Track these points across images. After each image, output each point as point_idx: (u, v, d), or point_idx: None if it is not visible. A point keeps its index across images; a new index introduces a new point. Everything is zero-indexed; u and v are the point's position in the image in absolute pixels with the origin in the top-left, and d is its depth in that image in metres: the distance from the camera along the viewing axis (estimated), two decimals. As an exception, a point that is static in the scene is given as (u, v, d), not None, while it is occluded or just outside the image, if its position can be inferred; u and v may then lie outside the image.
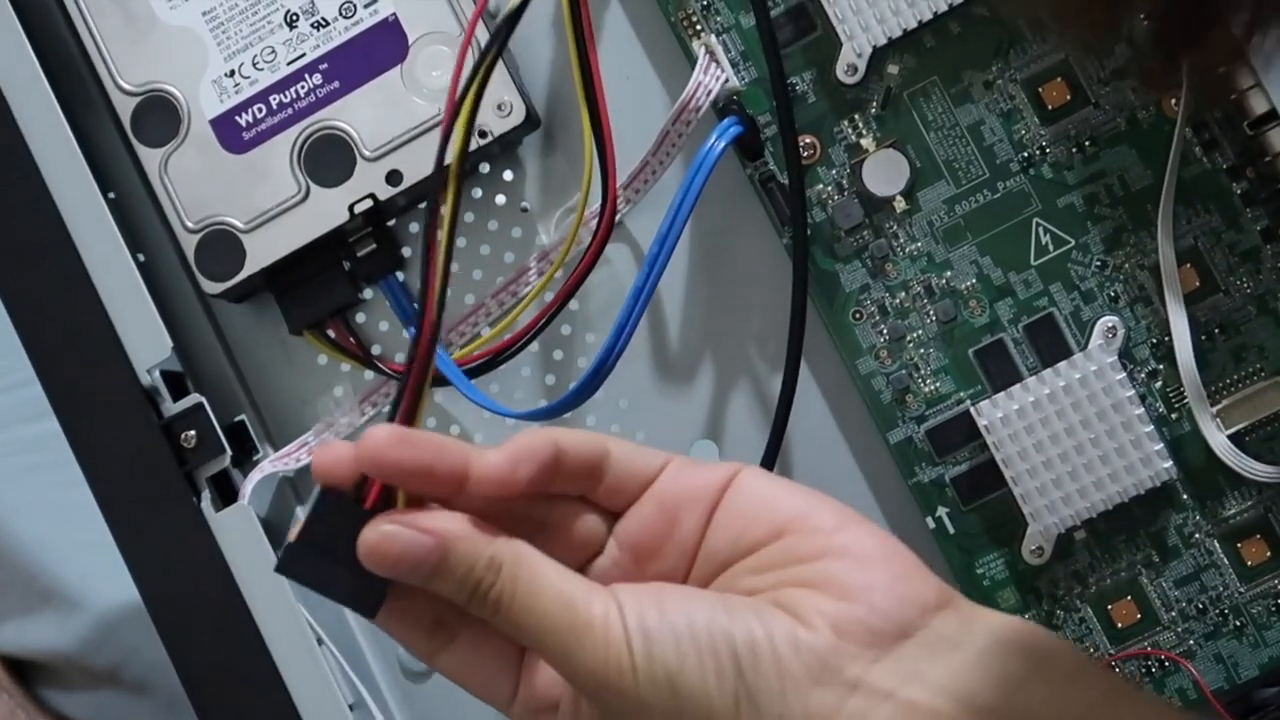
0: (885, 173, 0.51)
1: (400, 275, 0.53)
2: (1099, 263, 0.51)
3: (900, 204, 0.51)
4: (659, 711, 0.37)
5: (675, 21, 0.52)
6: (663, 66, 0.53)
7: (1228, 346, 0.50)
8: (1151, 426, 0.50)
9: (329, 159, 0.52)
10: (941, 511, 0.51)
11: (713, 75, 0.51)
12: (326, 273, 0.53)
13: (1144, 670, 0.51)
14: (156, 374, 0.51)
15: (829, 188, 0.52)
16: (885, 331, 0.52)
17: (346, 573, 0.38)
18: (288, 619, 0.50)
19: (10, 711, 0.79)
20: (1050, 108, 0.51)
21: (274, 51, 0.52)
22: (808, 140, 0.51)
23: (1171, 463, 0.50)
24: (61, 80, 0.53)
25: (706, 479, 0.41)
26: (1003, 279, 0.51)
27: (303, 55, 0.52)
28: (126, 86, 0.52)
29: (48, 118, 0.52)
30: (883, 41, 0.50)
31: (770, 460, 0.51)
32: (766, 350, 0.53)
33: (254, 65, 0.52)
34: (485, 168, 0.54)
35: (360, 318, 0.55)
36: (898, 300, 0.52)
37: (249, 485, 0.52)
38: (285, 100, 0.52)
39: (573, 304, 0.52)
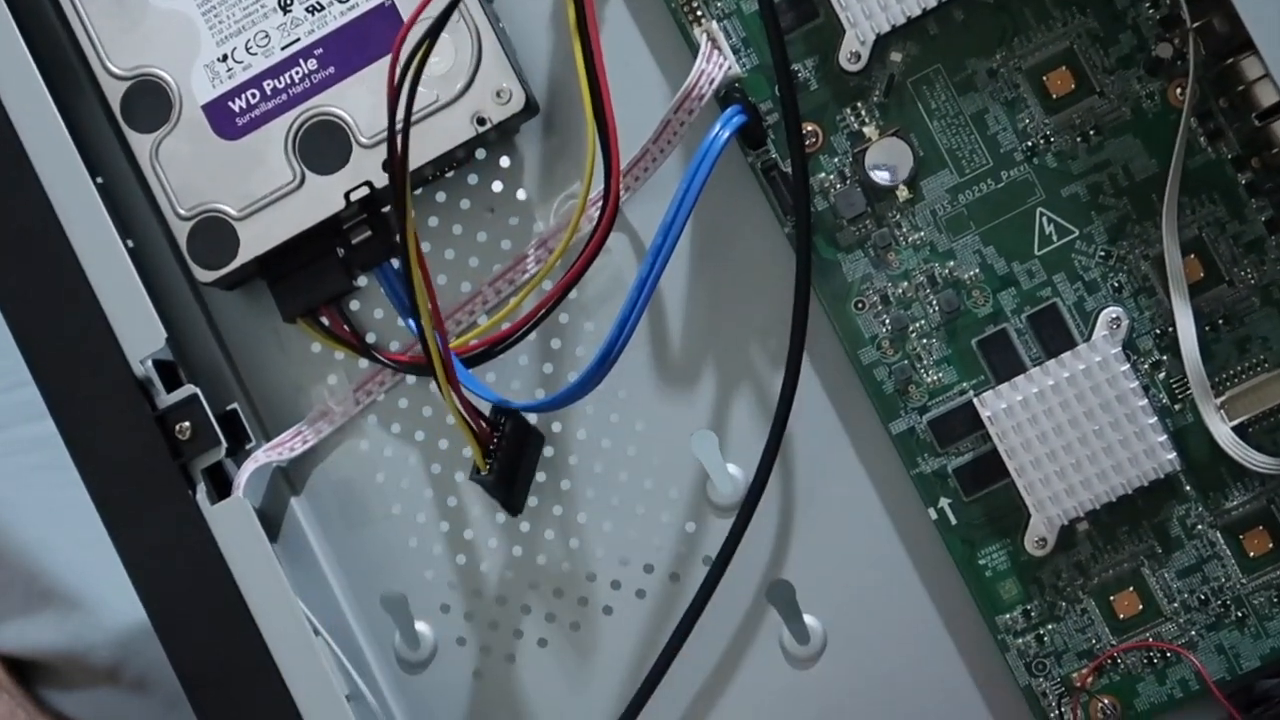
0: (888, 161, 0.51)
1: (395, 263, 0.52)
2: (1103, 253, 0.50)
3: (903, 193, 0.51)
4: None
5: (675, 7, 0.51)
6: (661, 53, 0.52)
7: (1231, 338, 0.50)
8: (1155, 418, 0.49)
9: (324, 146, 0.51)
10: (944, 503, 0.51)
11: (715, 63, 0.50)
12: (320, 260, 0.52)
13: (1146, 662, 0.50)
14: (149, 364, 0.50)
15: (831, 176, 0.51)
16: (888, 321, 0.51)
17: None
18: (284, 611, 0.49)
19: (10, 711, 0.78)
20: (1054, 96, 0.50)
21: (268, 36, 0.51)
22: (810, 128, 0.51)
23: (1175, 454, 0.49)
24: (50, 64, 0.52)
25: None
26: (1006, 269, 0.51)
27: (297, 40, 0.51)
28: (116, 70, 0.51)
29: (35, 102, 0.51)
30: (886, 29, 0.49)
31: (772, 452, 0.50)
32: (768, 340, 0.52)
33: (247, 50, 0.51)
34: (482, 153, 0.53)
35: (355, 305, 0.54)
36: (900, 290, 0.51)
37: (243, 476, 0.51)
38: (280, 86, 0.51)
39: (571, 292, 0.52)
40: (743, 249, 0.52)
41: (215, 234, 0.51)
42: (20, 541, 0.81)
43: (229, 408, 0.52)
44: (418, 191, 0.53)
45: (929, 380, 0.51)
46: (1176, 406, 0.50)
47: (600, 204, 0.49)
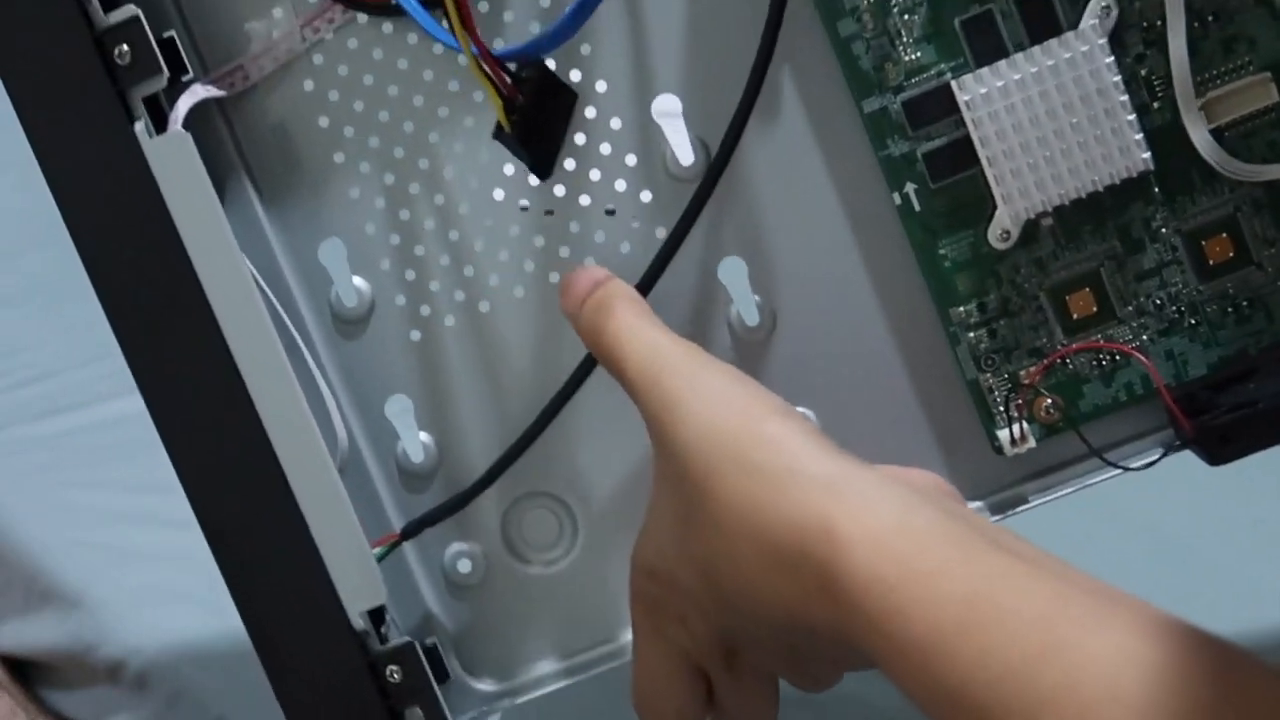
0: None
1: (355, -111, 0.49)
2: (1099, -63, 0.48)
3: None
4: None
5: None
6: None
7: (1219, 36, 0.48)
8: (1134, 115, 0.48)
9: None
10: (909, 188, 0.50)
11: None
12: (273, -119, 0.49)
13: (1094, 364, 0.50)
14: (83, -20, 0.46)
15: None
16: (870, -7, 0.49)
17: None
18: (225, 259, 0.47)
19: (10, 711, 0.78)
20: None
21: None
22: None
23: (1149, 154, 0.48)
24: None
25: None
26: (998, -53, 0.48)
27: None
28: None
29: None
30: None
31: (741, 121, 0.48)
32: (747, 4, 0.49)
33: None
34: None
35: (306, -65, 0.50)
36: (885, -39, 0.49)
37: (181, 109, 0.48)
38: None
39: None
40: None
41: None
42: (20, 541, 0.81)
43: (165, 35, 0.49)
44: None
45: (907, 59, 0.49)
46: (1155, 105, 0.49)
47: None
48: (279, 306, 0.50)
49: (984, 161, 0.49)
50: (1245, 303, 0.50)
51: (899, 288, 0.51)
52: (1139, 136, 0.48)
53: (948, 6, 0.49)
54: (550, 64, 0.50)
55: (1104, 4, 0.48)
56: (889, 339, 0.51)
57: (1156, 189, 0.49)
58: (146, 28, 0.47)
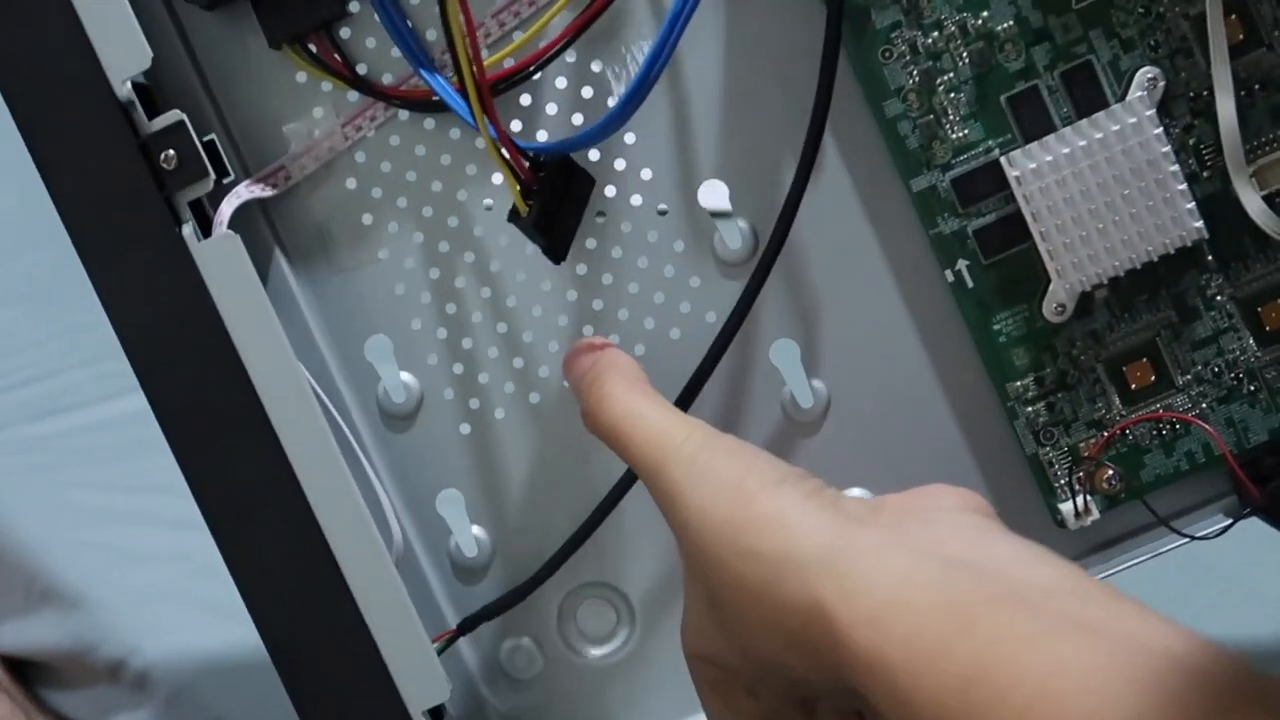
0: (927, -99, 0.48)
1: (392, -12, 0.49)
2: (1142, 9, 0.48)
3: (940, -64, 0.48)
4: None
5: None
6: None
7: (1267, 104, 0.48)
8: (1184, 184, 0.48)
9: None
10: (961, 265, 0.49)
11: None
12: (311, -19, 0.49)
13: (1155, 433, 0.50)
14: (129, 86, 0.46)
15: (863, -86, 0.48)
16: (915, 73, 0.49)
17: None
18: (277, 357, 0.46)
19: (10, 711, 0.78)
20: None
21: None
22: None
23: (1202, 223, 0.48)
24: None
25: None
26: (1041, 22, 0.48)
27: None
28: None
29: None
30: None
31: (793, 207, 0.48)
32: (791, 87, 0.49)
33: None
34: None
35: (345, 33, 0.50)
36: (930, 40, 0.49)
37: (225, 212, 0.47)
38: None
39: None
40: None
41: (199, -54, 0.47)
42: (20, 541, 0.81)
43: (206, 139, 0.48)
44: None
45: (954, 137, 0.49)
46: (1205, 174, 0.49)
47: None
48: (329, 404, 0.50)
49: (1036, 236, 0.48)
50: (1303, 367, 0.50)
51: (954, 364, 0.51)
52: (1191, 205, 0.48)
53: (993, 84, 0.49)
54: (594, 153, 0.50)
55: (1150, 75, 0.48)
56: (946, 416, 0.51)
57: (1210, 257, 0.49)
58: (192, 132, 0.46)
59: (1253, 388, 0.50)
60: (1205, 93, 0.48)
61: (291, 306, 0.51)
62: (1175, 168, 0.48)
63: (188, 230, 0.46)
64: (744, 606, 0.41)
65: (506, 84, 0.49)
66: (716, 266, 0.51)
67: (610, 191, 0.51)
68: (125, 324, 0.46)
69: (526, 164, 0.47)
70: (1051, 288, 0.49)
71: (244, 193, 0.49)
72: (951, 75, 0.49)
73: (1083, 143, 0.48)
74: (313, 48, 0.49)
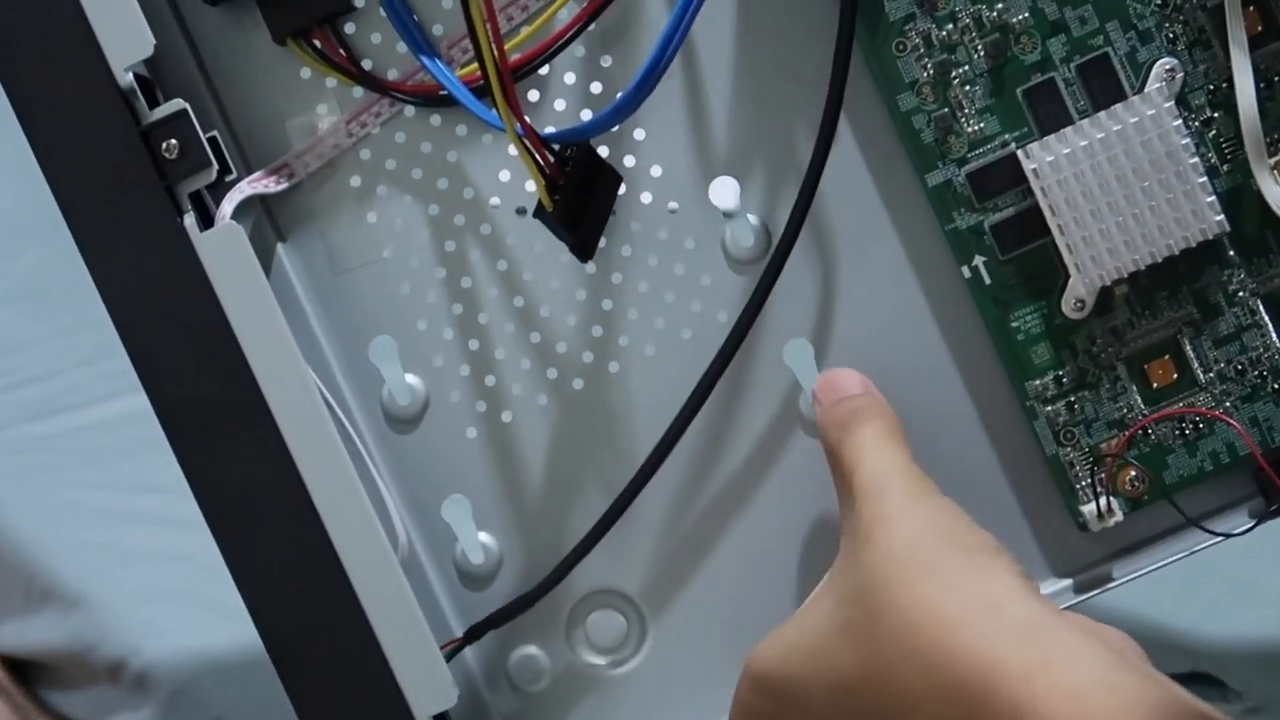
0: (941, -110, 0.47)
1: (398, -19, 0.48)
2: (1159, 1, 0.47)
3: (954, -73, 0.47)
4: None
5: None
6: None
7: (1287, 96, 0.48)
8: (1205, 177, 0.47)
9: None
10: (978, 261, 0.49)
11: None
12: (316, -26, 0.48)
13: (1178, 433, 0.49)
14: (131, 75, 0.45)
15: (876, -95, 0.48)
16: (930, 66, 0.48)
17: None
18: (280, 352, 0.45)
19: (10, 711, 0.78)
20: None
21: None
22: None
23: (1223, 216, 0.47)
24: None
25: None
26: (1057, 14, 0.48)
27: None
28: None
29: None
30: None
31: (805, 203, 0.47)
32: (804, 81, 0.48)
33: None
34: None
35: (350, 28, 0.49)
36: (945, 33, 0.48)
37: (227, 208, 0.47)
38: None
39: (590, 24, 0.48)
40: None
41: (203, -63, 0.46)
42: (20, 541, 0.81)
43: (209, 135, 0.47)
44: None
45: (970, 130, 0.48)
46: (1225, 167, 0.48)
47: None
48: (334, 405, 0.49)
49: (1054, 230, 0.47)
50: (1328, 365, 0.49)
51: (972, 363, 0.50)
52: (1212, 199, 0.47)
53: (1009, 76, 0.48)
54: (603, 150, 0.49)
55: (1168, 67, 0.47)
56: (964, 416, 0.50)
57: (1232, 252, 0.48)
58: (194, 121, 0.45)
59: (1277, 385, 0.49)
60: (1224, 85, 0.47)
61: (294, 306, 0.50)
62: (1195, 160, 0.47)
63: (189, 221, 0.45)
64: (911, 639, 0.39)
65: (515, 78, 0.49)
66: (728, 264, 0.50)
67: (620, 189, 0.50)
68: (125, 317, 0.45)
69: (551, 157, 0.46)
70: (1071, 283, 0.48)
71: (246, 188, 0.48)
72: (967, 68, 0.48)
73: (1101, 135, 0.47)
74: (317, 43, 0.49)
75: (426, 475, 0.51)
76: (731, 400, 0.50)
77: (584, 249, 0.48)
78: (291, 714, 0.46)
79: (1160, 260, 0.47)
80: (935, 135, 0.48)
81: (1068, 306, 0.48)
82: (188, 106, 0.45)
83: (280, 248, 0.50)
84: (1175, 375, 0.49)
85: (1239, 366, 0.49)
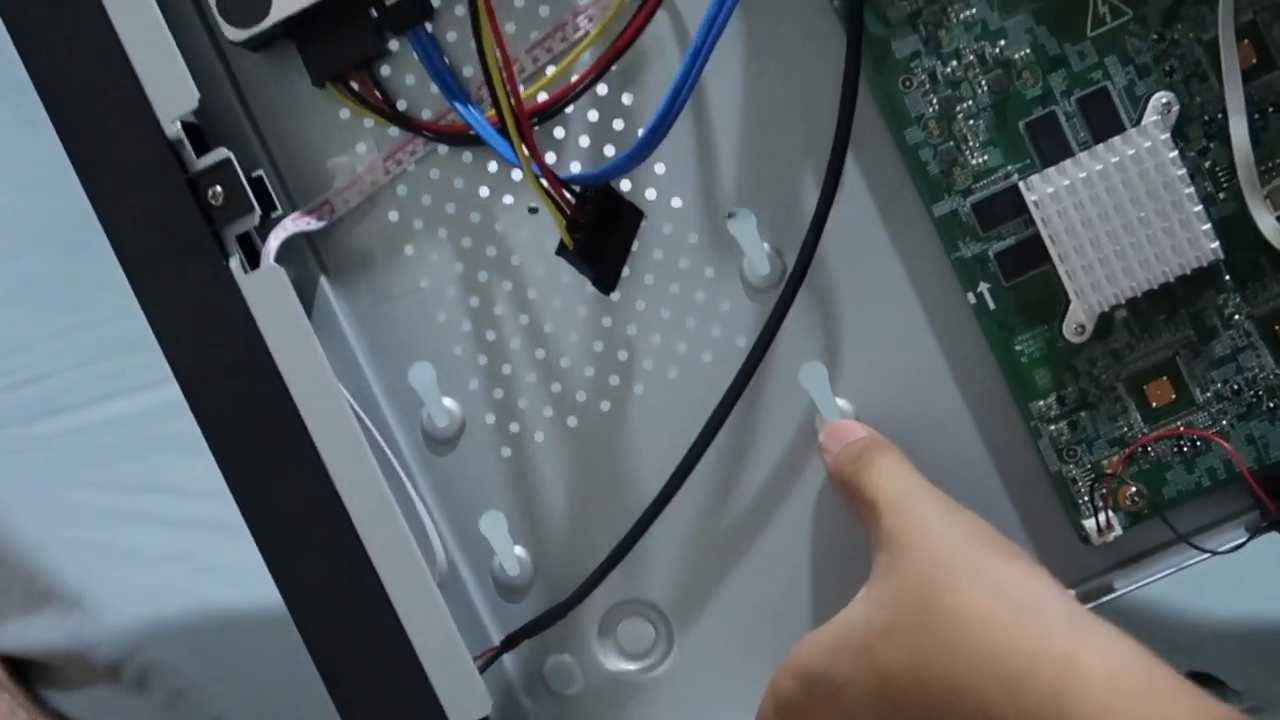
0: (943, -65, 0.49)
1: (429, 26, 0.51)
2: (1156, 35, 0.49)
3: (956, -32, 0.50)
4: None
5: None
6: None
7: (1280, 127, 0.50)
8: (1200, 206, 0.49)
9: (361, -99, 0.49)
10: (983, 287, 0.51)
11: None
12: (352, 22, 0.50)
13: (1175, 451, 0.51)
14: (179, 125, 0.48)
15: (882, -51, 0.50)
16: (935, 101, 0.50)
17: None
18: (321, 386, 0.48)
19: (10, 711, 0.78)
20: (1117, -128, 0.49)
21: None
22: (863, -102, 0.49)
23: (1217, 243, 0.49)
24: None
25: None
26: (1057, 49, 0.50)
27: None
28: None
29: None
30: None
31: (817, 232, 0.50)
32: (814, 116, 0.51)
33: None
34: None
35: (386, 70, 0.52)
36: (949, 69, 0.50)
37: (272, 245, 0.50)
38: None
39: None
40: (790, 22, 0.51)
41: (246, -9, 0.49)
42: (20, 541, 0.81)
43: (254, 174, 0.51)
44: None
45: (974, 163, 0.50)
46: (1221, 195, 0.50)
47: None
48: (373, 429, 0.52)
49: (1055, 258, 0.50)
50: (1322, 384, 0.51)
51: (978, 385, 0.52)
52: (1207, 227, 0.49)
53: (1011, 110, 0.50)
54: (626, 184, 0.52)
55: (1165, 100, 0.49)
56: (970, 436, 0.52)
57: (1227, 277, 0.50)
58: (238, 169, 0.48)
59: (1272, 404, 0.51)
60: (1220, 116, 0.49)
61: (337, 334, 0.53)
62: (1191, 190, 0.49)
63: (234, 263, 0.48)
64: (958, 636, 0.43)
65: (540, 118, 0.51)
66: (745, 291, 0.52)
67: (640, 223, 0.52)
68: (176, 352, 0.49)
69: (570, 197, 0.49)
70: (1071, 309, 0.50)
71: (290, 226, 0.51)
72: (970, 103, 0.50)
73: (1099, 167, 0.49)
74: (355, 85, 0.52)
75: (464, 493, 0.54)
76: (750, 420, 0.53)
77: (605, 282, 0.51)
78: (291, 714, 0.48)
79: (1158, 286, 0.49)
80: (941, 167, 0.50)
81: (1069, 331, 0.50)
82: (231, 155, 0.48)
83: (324, 280, 0.53)
84: (1173, 395, 0.51)
85: (1235, 386, 0.51)
